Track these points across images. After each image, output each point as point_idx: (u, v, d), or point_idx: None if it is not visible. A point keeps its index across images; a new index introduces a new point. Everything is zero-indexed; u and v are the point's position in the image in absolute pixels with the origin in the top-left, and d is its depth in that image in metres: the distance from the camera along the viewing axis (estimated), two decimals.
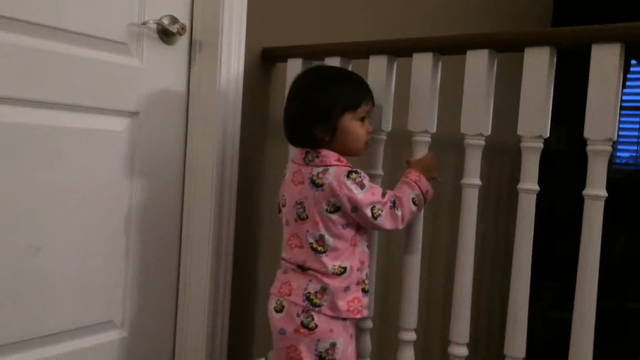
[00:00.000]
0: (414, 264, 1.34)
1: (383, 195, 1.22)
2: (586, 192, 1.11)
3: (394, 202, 1.22)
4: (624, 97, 4.58)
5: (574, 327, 1.13)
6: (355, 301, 1.21)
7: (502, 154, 2.43)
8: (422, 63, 1.30)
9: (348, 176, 1.17)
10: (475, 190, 1.26)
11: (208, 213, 1.46)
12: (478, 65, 1.23)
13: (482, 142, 1.25)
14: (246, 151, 1.53)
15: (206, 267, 1.47)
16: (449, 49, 1.30)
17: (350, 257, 1.21)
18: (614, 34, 1.09)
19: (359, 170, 1.20)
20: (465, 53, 1.25)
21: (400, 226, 1.23)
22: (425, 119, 1.31)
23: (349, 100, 1.21)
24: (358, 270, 1.21)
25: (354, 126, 1.21)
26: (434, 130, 1.33)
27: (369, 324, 1.42)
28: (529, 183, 1.18)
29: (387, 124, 1.39)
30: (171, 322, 1.52)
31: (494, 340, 2.63)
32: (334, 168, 1.18)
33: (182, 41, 1.47)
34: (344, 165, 1.20)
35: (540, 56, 1.16)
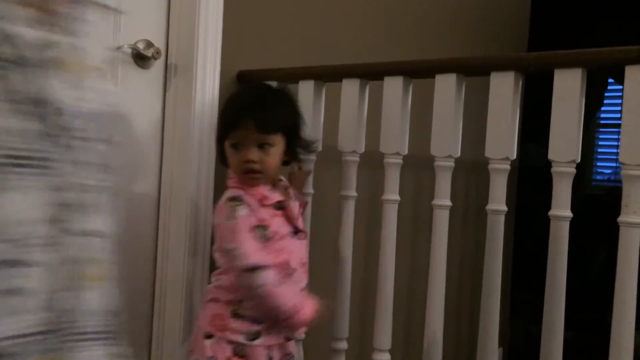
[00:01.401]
0: (388, 282, 1.35)
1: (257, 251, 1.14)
2: (552, 212, 1.14)
3: (255, 268, 1.11)
4: (602, 115, 4.67)
5: (543, 344, 1.15)
6: (217, 318, 1.18)
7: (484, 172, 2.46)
8: (393, 86, 1.33)
9: (227, 201, 1.18)
10: (446, 211, 1.28)
11: (183, 238, 1.46)
12: (446, 89, 1.26)
13: (452, 164, 1.27)
14: (222, 176, 1.54)
15: (180, 292, 1.47)
16: (419, 72, 1.33)
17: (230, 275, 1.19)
18: (576, 59, 1.12)
19: (243, 200, 1.15)
20: (434, 77, 1.28)
21: (252, 283, 1.11)
22: (396, 141, 1.33)
23: (220, 127, 1.25)
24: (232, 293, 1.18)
25: (228, 153, 1.22)
26: (406, 152, 1.35)
27: (344, 345, 1.43)
28: (497, 204, 1.20)
29: (360, 146, 1.41)
30: (145, 351, 1.51)
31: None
32: (229, 189, 1.21)
33: (157, 65, 1.48)
34: (236, 188, 1.20)
35: (505, 80, 1.18)
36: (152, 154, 1.48)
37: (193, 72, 1.46)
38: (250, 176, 1.18)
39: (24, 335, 0.46)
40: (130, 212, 1.44)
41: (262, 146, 1.18)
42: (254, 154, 1.17)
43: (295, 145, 1.26)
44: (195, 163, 1.46)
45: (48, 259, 0.47)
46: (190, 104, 1.46)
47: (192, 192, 1.46)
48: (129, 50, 1.41)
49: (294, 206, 1.26)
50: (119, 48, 1.39)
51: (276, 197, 1.21)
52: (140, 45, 1.42)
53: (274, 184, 1.25)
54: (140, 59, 1.43)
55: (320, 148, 1.43)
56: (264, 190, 1.20)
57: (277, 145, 1.20)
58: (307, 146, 1.31)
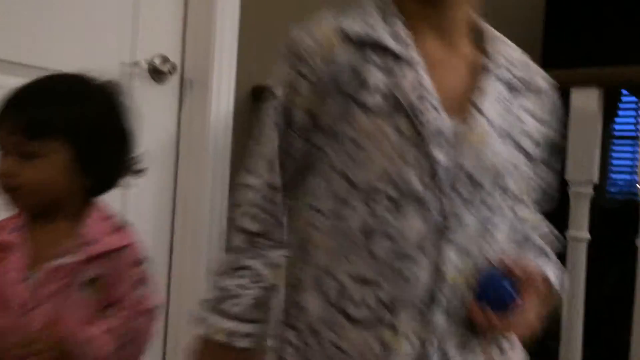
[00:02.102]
0: None
1: None
2: (569, 233, 1.12)
3: None
4: (616, 127, 4.62)
5: None
6: None
7: None
8: None
9: None
10: None
11: (198, 255, 1.46)
12: None
13: None
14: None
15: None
16: None
17: None
18: (593, 78, 1.11)
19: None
20: None
21: None
22: None
23: None
24: None
25: None
26: None
27: None
28: None
29: None
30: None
31: None
32: None
33: (173, 80, 1.49)
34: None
35: None
36: (167, 168, 1.49)
37: (208, 88, 1.47)
38: (9, 194, 0.86)
39: None
40: (142, 227, 1.44)
41: (25, 155, 0.84)
42: (9, 164, 0.84)
43: (98, 162, 0.87)
44: (209, 178, 1.47)
45: None
46: (205, 119, 1.47)
47: (207, 207, 1.46)
48: (145, 66, 1.42)
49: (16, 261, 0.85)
50: (135, 63, 1.40)
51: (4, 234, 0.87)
52: (157, 61, 1.43)
53: (74, 217, 0.89)
54: (156, 74, 1.44)
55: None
56: (9, 220, 0.89)
57: (51, 157, 0.84)
58: (124, 166, 0.92)
